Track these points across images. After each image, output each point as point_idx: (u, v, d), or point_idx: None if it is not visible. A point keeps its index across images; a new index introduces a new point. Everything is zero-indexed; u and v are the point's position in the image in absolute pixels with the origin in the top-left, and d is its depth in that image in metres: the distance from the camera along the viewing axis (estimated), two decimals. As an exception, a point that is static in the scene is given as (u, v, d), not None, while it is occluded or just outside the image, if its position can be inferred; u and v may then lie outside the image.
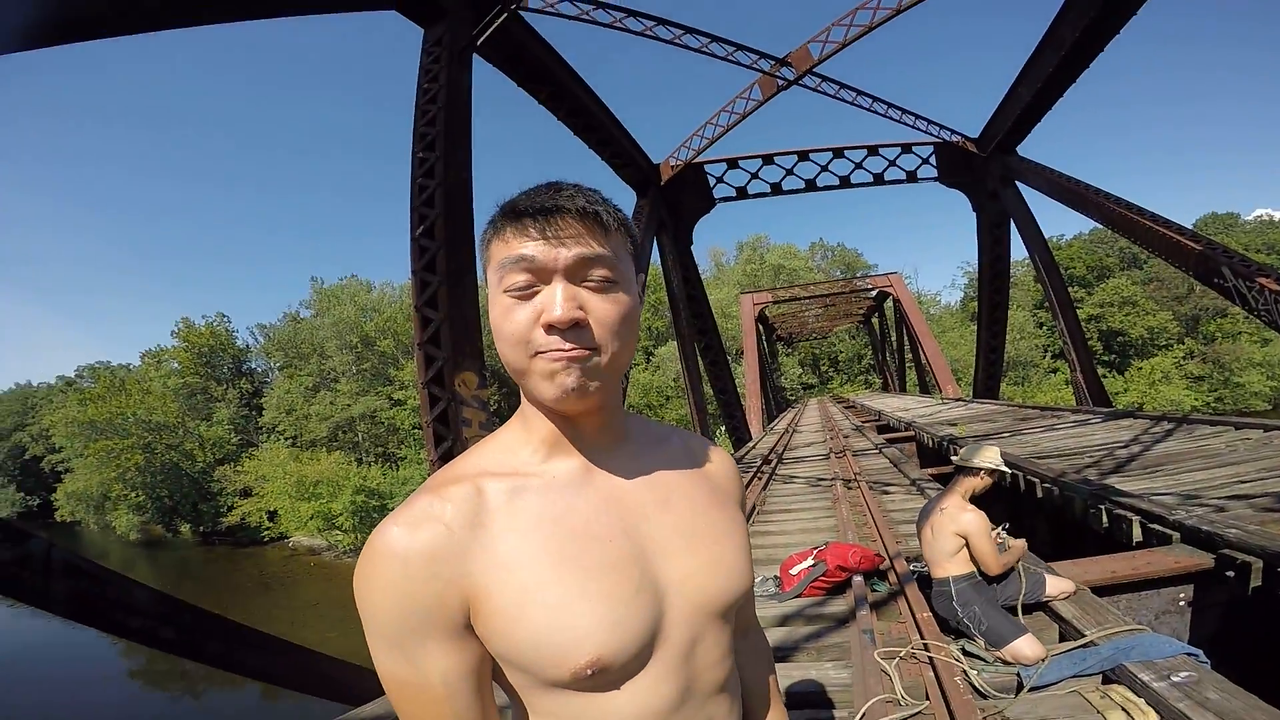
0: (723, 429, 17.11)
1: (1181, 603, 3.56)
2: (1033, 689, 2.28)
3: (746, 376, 24.64)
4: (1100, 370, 13.91)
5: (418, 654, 0.62)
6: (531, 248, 0.63)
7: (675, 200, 14.10)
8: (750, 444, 15.05)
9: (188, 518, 37.83)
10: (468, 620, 0.64)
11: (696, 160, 13.76)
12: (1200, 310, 38.97)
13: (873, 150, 14.82)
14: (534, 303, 0.64)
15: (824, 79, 12.46)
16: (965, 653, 2.64)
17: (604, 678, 0.64)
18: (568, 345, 0.62)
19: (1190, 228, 8.73)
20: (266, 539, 31.82)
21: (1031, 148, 12.99)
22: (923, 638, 2.72)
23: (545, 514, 0.68)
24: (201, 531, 36.85)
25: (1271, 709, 1.79)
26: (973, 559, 2.93)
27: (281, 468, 31.36)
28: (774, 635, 3.11)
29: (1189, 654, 2.29)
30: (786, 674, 2.61)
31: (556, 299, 0.62)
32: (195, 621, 2.92)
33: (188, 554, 34.28)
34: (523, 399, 0.73)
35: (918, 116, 13.99)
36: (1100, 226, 12.10)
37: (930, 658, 2.49)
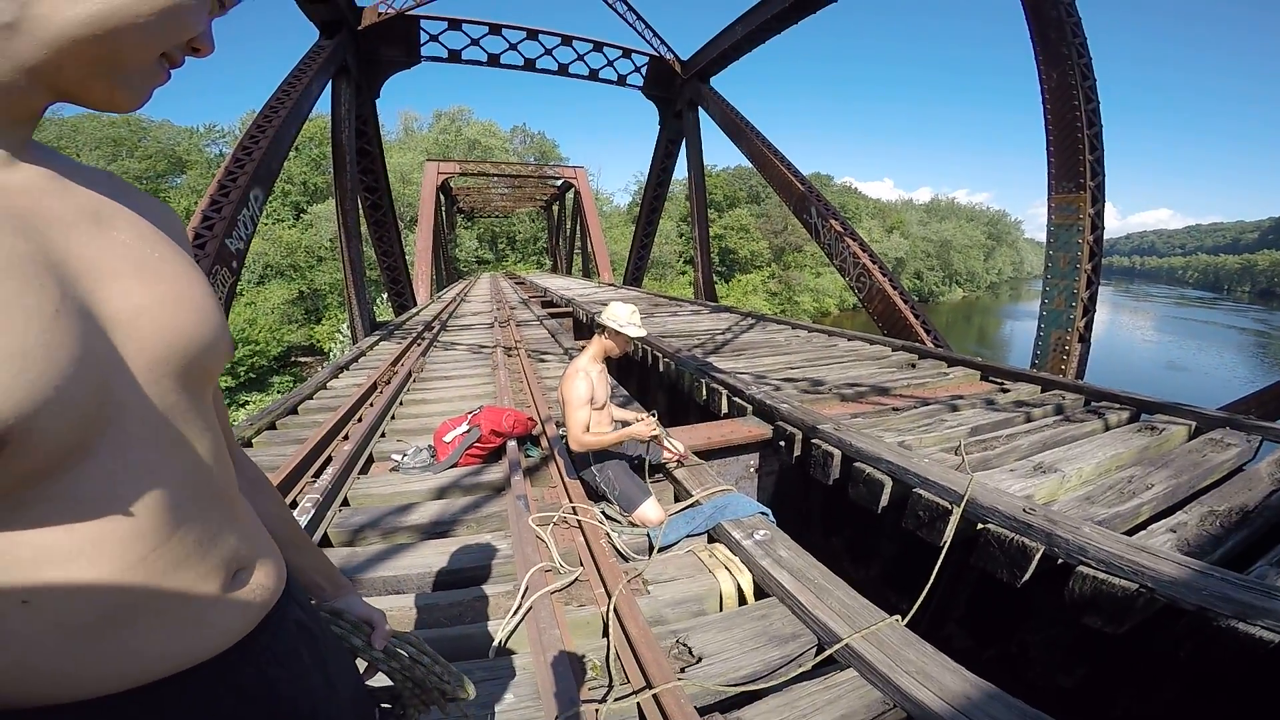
0: (385, 295, 15.80)
1: (751, 469, 4.22)
2: (660, 549, 2.59)
3: (419, 243, 23.19)
4: (714, 277, 17.19)
5: None
6: None
7: (371, 49, 12.09)
8: (414, 310, 14.41)
9: None
10: None
11: (412, 12, 11.96)
12: (786, 244, 51.10)
13: (598, 46, 14.95)
14: (203, 18, 0.53)
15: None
16: (607, 516, 2.80)
17: (10, 465, 0.41)
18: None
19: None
20: None
21: (719, 83, 14.31)
22: (571, 502, 2.85)
23: None
24: None
25: (823, 567, 2.36)
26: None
27: None
28: (432, 509, 2.99)
29: (762, 513, 2.77)
30: (447, 549, 2.53)
31: (211, 32, 0.54)
32: None
33: None
34: None
35: (648, 25, 14.54)
36: (740, 165, 14.42)
37: (580, 522, 2.65)
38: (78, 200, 0.53)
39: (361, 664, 0.88)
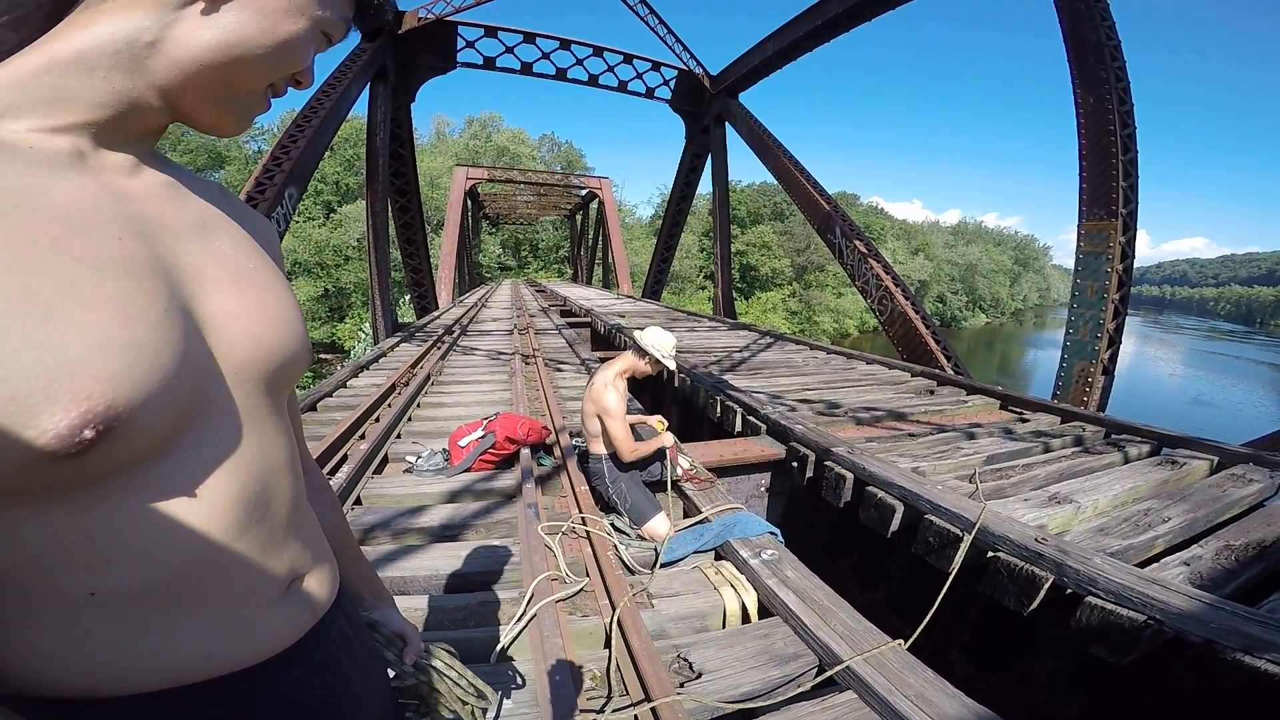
0: (408, 297, 16.07)
1: (762, 488, 4.18)
2: (666, 564, 2.60)
3: (444, 247, 23.65)
4: (734, 293, 17.22)
5: None
6: (348, 14, 0.60)
7: (409, 53, 12.46)
8: (436, 313, 14.63)
9: None
10: None
11: (451, 18, 12.41)
12: (808, 263, 50.88)
13: (629, 58, 15.27)
14: (311, 53, 0.57)
15: (619, -25, 12.15)
16: (615, 528, 2.83)
17: (110, 452, 0.43)
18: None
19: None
20: None
21: (747, 98, 14.42)
22: (581, 512, 2.88)
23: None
24: None
25: (828, 588, 2.36)
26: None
27: None
28: (443, 512, 3.03)
29: (771, 532, 2.77)
30: (455, 553, 2.57)
31: (314, 67, 0.60)
32: None
33: None
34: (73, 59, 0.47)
35: (678, 39, 14.78)
36: (764, 182, 14.47)
37: (588, 533, 2.68)
38: (188, 209, 0.57)
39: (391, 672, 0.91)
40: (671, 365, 2.96)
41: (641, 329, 3.10)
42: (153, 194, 0.53)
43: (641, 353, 2.97)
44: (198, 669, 0.51)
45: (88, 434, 0.40)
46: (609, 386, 2.90)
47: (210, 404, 0.51)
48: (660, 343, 2.95)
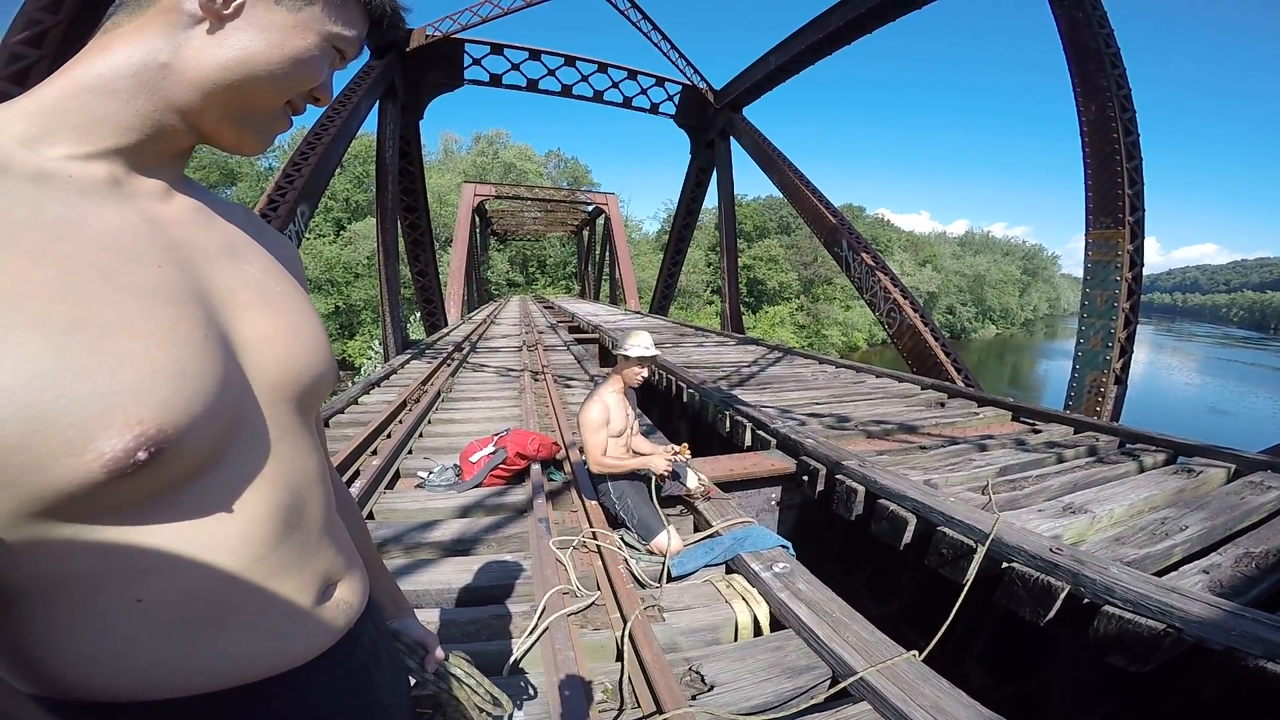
0: (418, 313, 16.19)
1: (773, 502, 4.17)
2: (677, 578, 2.60)
3: (453, 264, 23.77)
4: (741, 308, 17.21)
5: None
6: (360, 31, 0.61)
7: (417, 71, 12.71)
8: (445, 330, 14.75)
9: None
10: None
11: (457, 35, 12.67)
12: (815, 276, 50.89)
13: (633, 74, 15.51)
14: (325, 69, 0.59)
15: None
16: (626, 543, 2.82)
17: (159, 472, 0.45)
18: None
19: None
20: None
21: (751, 110, 14.50)
22: (591, 527, 2.89)
23: (41, 214, 0.43)
24: None
25: (841, 601, 2.34)
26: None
27: None
28: (455, 527, 3.05)
29: (782, 546, 2.75)
30: (468, 567, 2.58)
31: (333, 84, 0.62)
32: None
33: None
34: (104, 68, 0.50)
35: (681, 54, 14.96)
36: (770, 195, 14.51)
37: (599, 547, 2.68)
38: (218, 233, 0.59)
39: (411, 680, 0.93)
40: (640, 352, 2.90)
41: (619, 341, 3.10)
42: (184, 219, 0.55)
43: (621, 358, 2.96)
44: (238, 674, 0.53)
45: (141, 455, 0.43)
46: (594, 399, 2.91)
47: (246, 423, 0.54)
48: (633, 342, 2.93)
